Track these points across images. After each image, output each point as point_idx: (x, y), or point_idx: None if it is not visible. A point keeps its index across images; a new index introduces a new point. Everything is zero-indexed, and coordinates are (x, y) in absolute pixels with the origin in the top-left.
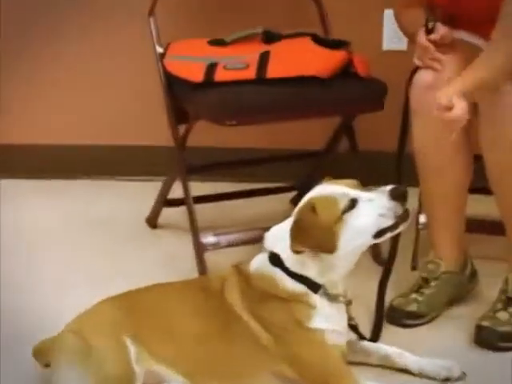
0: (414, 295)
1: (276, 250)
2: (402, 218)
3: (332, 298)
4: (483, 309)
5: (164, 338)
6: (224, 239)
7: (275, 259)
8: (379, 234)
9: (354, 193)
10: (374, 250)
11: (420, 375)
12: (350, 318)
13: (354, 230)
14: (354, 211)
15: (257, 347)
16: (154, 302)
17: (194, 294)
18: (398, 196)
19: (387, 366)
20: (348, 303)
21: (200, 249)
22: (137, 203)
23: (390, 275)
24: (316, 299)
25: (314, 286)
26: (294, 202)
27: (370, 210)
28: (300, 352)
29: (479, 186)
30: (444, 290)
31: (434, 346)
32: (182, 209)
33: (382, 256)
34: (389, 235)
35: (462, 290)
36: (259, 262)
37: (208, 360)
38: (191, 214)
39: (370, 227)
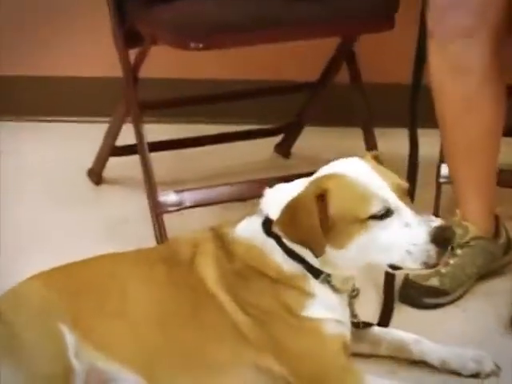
0: None
1: (271, 213)
2: (428, 266)
3: (336, 289)
4: None
5: (113, 325)
6: (189, 197)
7: (271, 228)
8: (396, 267)
9: (396, 201)
10: None
11: (442, 368)
12: (352, 315)
13: (373, 244)
14: (383, 223)
15: (234, 334)
16: (98, 278)
17: (152, 266)
18: (441, 241)
19: (401, 357)
20: (354, 296)
21: (158, 210)
22: (75, 151)
23: None
24: (315, 286)
25: (315, 271)
26: (280, 149)
27: (400, 237)
28: (289, 343)
29: None
30: (473, 260)
31: (460, 332)
32: (134, 158)
33: None
34: (404, 271)
35: (494, 262)
36: (248, 228)
37: (171, 350)
38: (146, 164)
39: (390, 255)
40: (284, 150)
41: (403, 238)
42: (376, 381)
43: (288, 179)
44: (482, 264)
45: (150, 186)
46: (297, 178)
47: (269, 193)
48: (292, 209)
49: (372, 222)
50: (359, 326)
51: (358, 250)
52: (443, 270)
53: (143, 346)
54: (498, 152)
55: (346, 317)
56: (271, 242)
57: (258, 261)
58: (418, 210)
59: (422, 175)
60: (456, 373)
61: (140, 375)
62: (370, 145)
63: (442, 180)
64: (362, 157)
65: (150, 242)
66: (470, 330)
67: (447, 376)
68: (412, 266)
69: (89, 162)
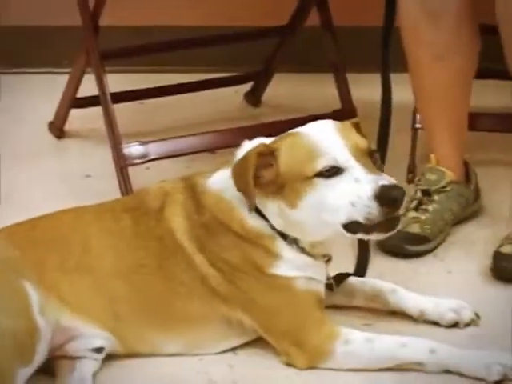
0: (413, 213)
1: None
2: (378, 226)
3: (305, 251)
4: (500, 231)
5: (77, 279)
6: (154, 149)
7: None
8: (350, 227)
9: (347, 159)
10: None
11: (420, 319)
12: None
13: (320, 202)
14: (332, 181)
15: (203, 287)
16: (61, 233)
17: (117, 217)
18: (385, 200)
19: (377, 307)
20: (326, 261)
21: (122, 162)
22: (35, 104)
23: None
24: (282, 247)
25: (281, 232)
26: (250, 97)
27: (346, 191)
28: (259, 299)
29: (489, 68)
30: (450, 205)
31: (439, 282)
32: (97, 110)
33: None
34: (361, 236)
35: (468, 208)
36: (220, 179)
37: (138, 304)
38: (109, 116)
39: (337, 210)
40: (254, 98)
41: (349, 191)
42: (352, 333)
43: (258, 128)
44: (457, 209)
45: (114, 138)
46: (267, 128)
47: (246, 145)
48: (240, 161)
49: (318, 180)
50: (332, 288)
51: (308, 209)
52: (423, 217)
53: (109, 301)
54: (470, 95)
55: (319, 274)
56: (240, 197)
57: (225, 214)
58: (394, 161)
59: (398, 121)
60: (435, 322)
61: (106, 330)
62: (343, 91)
63: (417, 126)
64: (339, 122)
65: (115, 196)
66: (448, 279)
67: (425, 326)
68: (358, 218)
69: (49, 115)
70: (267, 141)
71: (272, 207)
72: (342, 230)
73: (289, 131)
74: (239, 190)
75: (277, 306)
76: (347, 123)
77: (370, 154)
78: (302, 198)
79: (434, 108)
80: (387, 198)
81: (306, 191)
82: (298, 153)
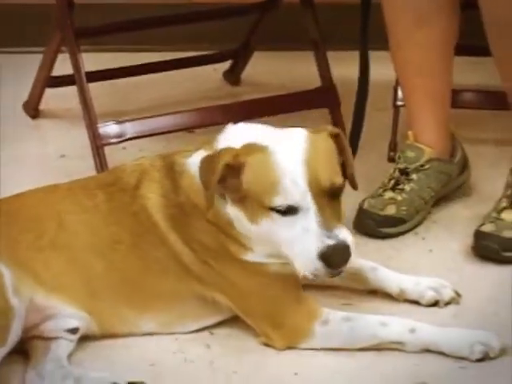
0: (389, 194)
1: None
2: (317, 278)
3: None
4: (483, 209)
5: (52, 257)
6: (131, 128)
7: None
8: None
9: (305, 200)
10: (335, 125)
11: (400, 297)
12: None
13: (273, 234)
14: (286, 219)
15: (176, 266)
16: (34, 211)
17: (92, 193)
18: (328, 262)
19: (357, 287)
20: None
21: (98, 142)
22: (9, 83)
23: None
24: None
25: None
26: (229, 76)
27: (295, 240)
28: (234, 281)
29: (470, 44)
30: (429, 184)
31: (420, 261)
32: (72, 89)
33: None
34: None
35: (450, 183)
36: (196, 164)
37: (113, 282)
38: (84, 95)
39: (287, 249)
40: (233, 76)
41: (297, 240)
42: (331, 313)
43: (237, 107)
44: (437, 187)
45: (90, 118)
46: (246, 106)
47: (229, 129)
48: (209, 158)
49: (274, 214)
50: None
51: (263, 233)
52: (399, 198)
53: (84, 278)
54: (451, 68)
55: None
56: None
57: (200, 199)
58: (376, 140)
59: (380, 99)
60: (414, 301)
61: (82, 309)
62: (323, 69)
63: (398, 103)
64: (317, 130)
65: None
66: (429, 258)
67: (405, 306)
68: (300, 271)
69: (24, 94)
70: (239, 141)
71: (233, 212)
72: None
73: (258, 142)
74: (203, 185)
75: (252, 288)
76: (324, 135)
77: (331, 191)
78: (258, 221)
79: (413, 80)
80: (331, 261)
81: (262, 218)
82: (261, 177)
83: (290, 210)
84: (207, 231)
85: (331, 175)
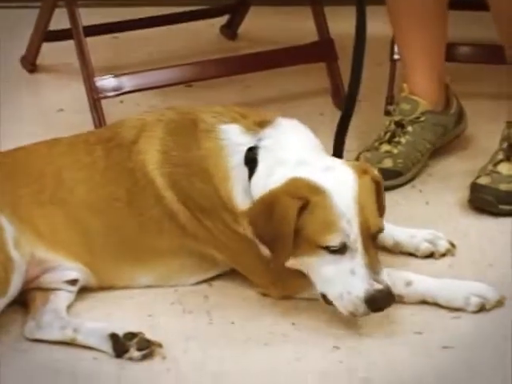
0: (386, 147)
1: (261, 153)
2: (354, 316)
3: None
4: (479, 162)
5: (52, 212)
6: (128, 82)
7: (253, 160)
8: (328, 300)
9: (356, 242)
10: (333, 86)
11: (395, 250)
12: None
13: (314, 270)
14: (333, 257)
15: (172, 224)
16: (34, 165)
17: (91, 148)
18: (373, 306)
19: None
20: None
21: (95, 95)
22: (6, 38)
23: (349, 120)
24: None
25: None
26: (226, 31)
27: (341, 280)
28: (229, 243)
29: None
30: (425, 136)
31: (416, 213)
32: (70, 44)
33: (343, 96)
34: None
35: (447, 134)
36: (233, 136)
37: (110, 237)
38: (82, 48)
39: (326, 288)
40: (230, 31)
41: (343, 283)
42: None
43: (234, 61)
44: (433, 139)
45: (87, 71)
46: (243, 60)
47: (277, 124)
48: (271, 207)
49: (324, 252)
50: None
51: (303, 264)
52: (395, 150)
53: (82, 234)
54: (446, 20)
55: None
56: (243, 170)
57: (217, 172)
58: (373, 94)
59: (377, 53)
60: (410, 253)
61: (81, 263)
62: (320, 24)
63: (395, 57)
64: (364, 170)
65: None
66: (426, 210)
67: (401, 258)
68: (340, 309)
69: (21, 49)
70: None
71: None
72: (319, 296)
73: (314, 181)
74: (264, 240)
75: (246, 249)
76: (368, 180)
77: (374, 237)
78: (303, 256)
79: (408, 32)
80: (377, 305)
81: (309, 255)
82: (319, 218)
83: (339, 250)
84: (206, 195)
85: (379, 220)
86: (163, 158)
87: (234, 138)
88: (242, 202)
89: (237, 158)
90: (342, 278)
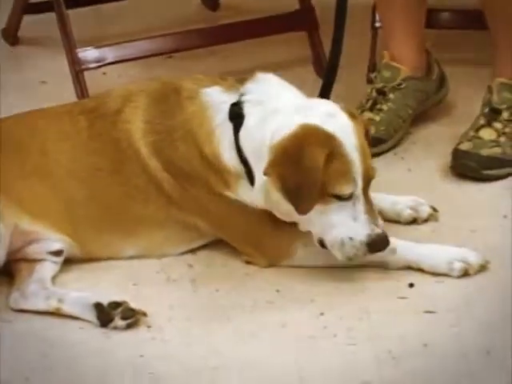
0: (368, 114)
1: (247, 106)
2: (350, 260)
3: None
4: (461, 128)
5: (35, 184)
6: (110, 53)
7: (238, 115)
8: (322, 244)
9: (360, 190)
10: (315, 55)
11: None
12: None
13: (317, 216)
14: (338, 204)
15: (157, 193)
16: (19, 137)
17: (75, 119)
18: (374, 248)
19: None
20: None
21: (77, 67)
22: None
23: (330, 89)
24: (244, 188)
25: (252, 179)
26: (208, 1)
27: (343, 225)
28: (213, 209)
29: None
30: (406, 102)
31: (399, 180)
32: (50, 16)
33: (324, 64)
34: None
35: (428, 100)
36: (214, 96)
37: (95, 207)
38: (63, 20)
39: (326, 234)
40: (212, 1)
41: (345, 228)
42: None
43: (215, 31)
44: (415, 105)
45: (68, 43)
46: (226, 30)
47: (258, 79)
48: (298, 156)
49: (333, 199)
50: None
51: (313, 221)
52: (377, 118)
53: (67, 205)
54: None
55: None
56: (228, 126)
57: (201, 131)
58: (355, 62)
59: (358, 22)
60: (393, 220)
61: (64, 234)
62: None
63: (377, 25)
64: (353, 115)
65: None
66: (408, 177)
67: (384, 225)
68: (337, 255)
69: (2, 21)
70: (274, 99)
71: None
72: (316, 240)
73: (327, 129)
74: (290, 190)
75: (231, 217)
76: (360, 125)
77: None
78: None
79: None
80: (378, 248)
81: (317, 202)
82: (334, 166)
83: (347, 198)
84: (190, 159)
85: (374, 168)
86: (147, 128)
87: (216, 97)
88: (228, 158)
89: (221, 116)
90: (344, 225)
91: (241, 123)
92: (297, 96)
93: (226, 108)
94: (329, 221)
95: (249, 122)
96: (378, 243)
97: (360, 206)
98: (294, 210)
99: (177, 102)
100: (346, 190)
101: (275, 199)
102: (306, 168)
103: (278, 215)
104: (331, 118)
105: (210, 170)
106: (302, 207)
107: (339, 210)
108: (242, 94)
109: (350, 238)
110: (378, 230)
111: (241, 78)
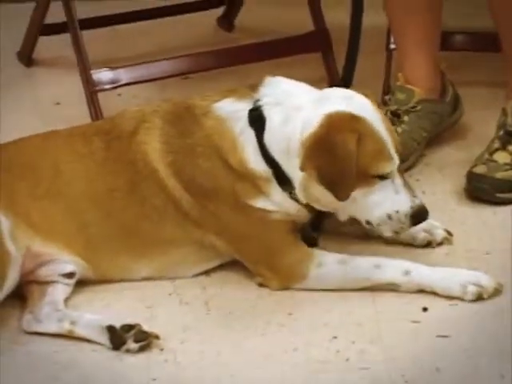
0: None
1: (267, 109)
2: (396, 234)
3: (293, 198)
4: (475, 151)
5: (48, 205)
6: (124, 74)
7: (258, 119)
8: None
9: (397, 163)
10: (329, 76)
11: (393, 240)
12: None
13: (362, 199)
14: (380, 184)
15: (175, 212)
16: (30, 158)
17: (89, 140)
18: (417, 219)
19: (353, 231)
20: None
21: (91, 88)
22: (2, 33)
23: None
24: (275, 191)
25: (283, 180)
26: (223, 22)
27: (388, 200)
28: (232, 224)
29: None
30: (421, 124)
31: None
32: (65, 37)
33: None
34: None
35: (443, 122)
36: (230, 107)
37: (110, 229)
38: (77, 41)
39: (372, 213)
40: (227, 22)
41: (389, 203)
42: (325, 255)
43: (231, 52)
44: (429, 127)
45: (83, 64)
46: (241, 51)
47: (269, 82)
48: (330, 146)
49: (376, 180)
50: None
51: (358, 196)
52: None
53: (80, 226)
54: (441, 7)
55: (299, 212)
56: (250, 133)
57: (224, 142)
58: (369, 84)
59: (373, 44)
60: (408, 243)
61: (77, 256)
62: (316, 13)
63: (392, 46)
64: (366, 95)
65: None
66: (423, 199)
67: (398, 247)
68: (384, 231)
69: (18, 43)
70: (290, 98)
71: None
72: (365, 224)
73: (351, 112)
74: (327, 181)
75: (250, 232)
76: (376, 104)
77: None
78: (355, 191)
79: (402, 18)
80: (421, 218)
81: (360, 186)
82: (368, 147)
83: (388, 175)
84: (216, 175)
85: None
86: (164, 148)
87: (230, 108)
88: (255, 163)
89: (240, 124)
90: (389, 200)
91: (263, 127)
92: (310, 90)
93: (244, 115)
94: (374, 200)
95: (272, 123)
96: (420, 214)
97: (398, 179)
98: (336, 199)
99: (193, 119)
100: (387, 167)
101: (315, 192)
102: (339, 155)
103: (320, 207)
104: (350, 100)
105: (236, 180)
106: (342, 194)
107: (382, 188)
108: (257, 100)
109: (396, 211)
110: (418, 201)
111: (251, 84)
